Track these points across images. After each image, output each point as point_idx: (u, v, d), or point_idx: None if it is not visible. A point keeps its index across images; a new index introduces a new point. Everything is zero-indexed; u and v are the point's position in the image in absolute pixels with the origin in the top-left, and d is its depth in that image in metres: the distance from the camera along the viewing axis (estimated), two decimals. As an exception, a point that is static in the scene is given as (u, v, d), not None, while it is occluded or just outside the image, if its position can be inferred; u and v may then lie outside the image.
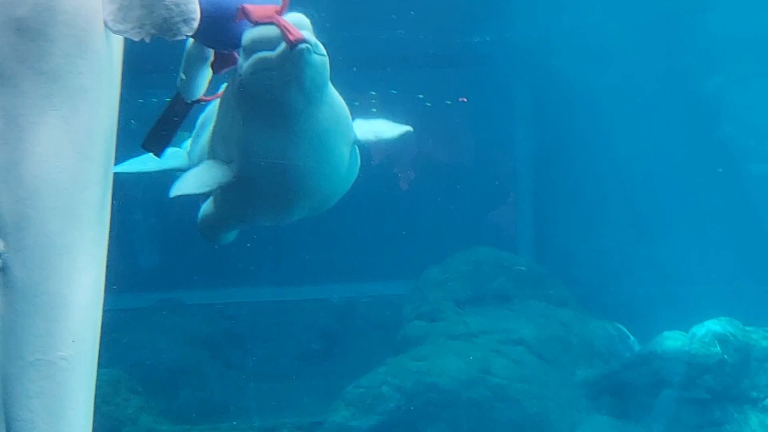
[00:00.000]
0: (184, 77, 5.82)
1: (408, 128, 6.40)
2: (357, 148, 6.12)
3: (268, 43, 5.22)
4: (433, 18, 12.52)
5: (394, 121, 6.34)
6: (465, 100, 12.49)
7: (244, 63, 5.37)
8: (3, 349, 3.63)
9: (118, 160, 4.78)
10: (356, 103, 6.06)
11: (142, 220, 12.57)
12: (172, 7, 3.95)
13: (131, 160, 6.64)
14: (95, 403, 3.87)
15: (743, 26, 13.60)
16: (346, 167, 6.14)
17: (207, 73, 5.88)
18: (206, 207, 6.31)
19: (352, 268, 12.70)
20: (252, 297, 11.94)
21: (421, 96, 11.69)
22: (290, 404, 10.84)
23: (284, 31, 5.20)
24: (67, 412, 3.86)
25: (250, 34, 5.28)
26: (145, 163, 6.64)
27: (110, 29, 3.97)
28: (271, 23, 5.19)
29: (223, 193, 6.00)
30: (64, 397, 3.82)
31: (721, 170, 11.33)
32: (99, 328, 4.07)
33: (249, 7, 5.23)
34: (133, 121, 5.52)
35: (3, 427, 3.89)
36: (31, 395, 3.72)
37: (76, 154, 3.84)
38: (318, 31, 5.39)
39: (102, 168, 4.01)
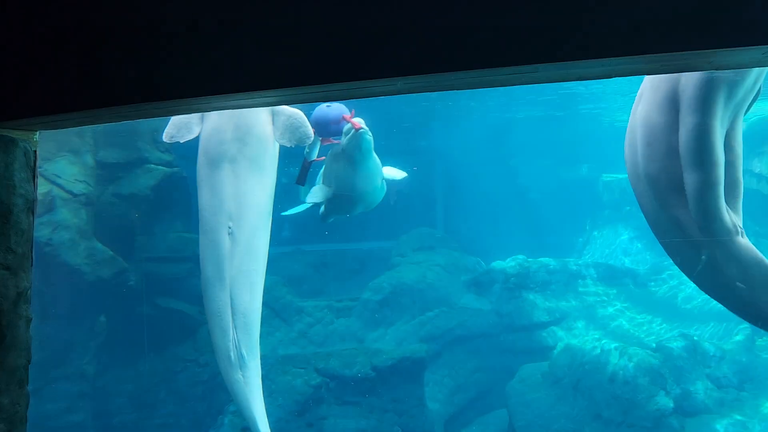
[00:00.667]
0: (307, 150, 7.41)
1: (405, 174, 8.26)
2: (384, 181, 7.95)
3: (347, 132, 7.02)
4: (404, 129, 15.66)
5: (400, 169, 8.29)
6: (416, 168, 13.28)
7: (343, 140, 7.16)
8: (230, 266, 5.87)
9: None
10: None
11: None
12: (302, 132, 6.19)
13: (300, 206, 8.61)
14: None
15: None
16: (380, 189, 7.89)
17: (316, 150, 7.51)
18: (322, 208, 8.13)
19: (370, 236, 15.79)
20: (324, 248, 15.32)
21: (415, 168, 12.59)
22: (351, 285, 14.10)
23: (353, 124, 6.97)
24: (256, 290, 6.06)
25: (344, 129, 6.98)
26: (304, 206, 8.55)
27: (276, 140, 6.19)
28: (347, 122, 7.01)
29: (328, 202, 7.77)
30: (255, 285, 6.05)
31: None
32: (266, 257, 6.20)
33: (339, 117, 6.94)
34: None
35: (229, 298, 5.94)
36: (242, 283, 5.91)
37: (261, 189, 6.05)
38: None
39: (271, 196, 6.15)
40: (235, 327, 5.72)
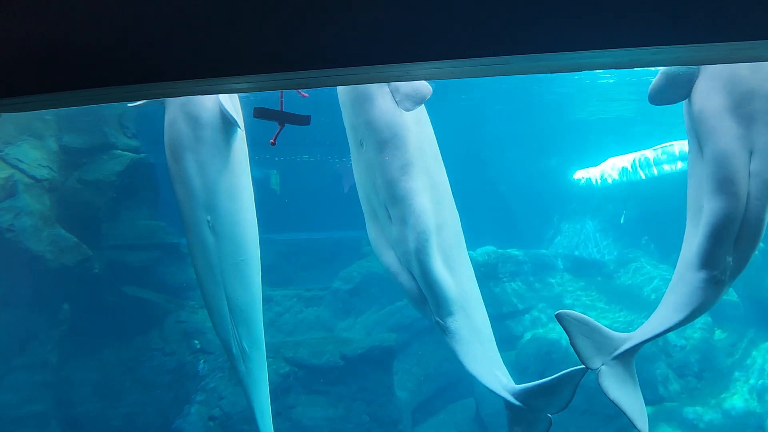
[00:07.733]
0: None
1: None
2: None
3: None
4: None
5: None
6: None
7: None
8: (218, 261, 5.74)
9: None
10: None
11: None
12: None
13: None
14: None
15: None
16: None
17: None
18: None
19: (341, 225, 14.81)
20: (294, 237, 15.26)
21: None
22: (320, 274, 13.90)
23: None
24: (251, 283, 5.94)
25: None
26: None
27: (235, 125, 5.69)
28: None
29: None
30: (248, 278, 5.91)
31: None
32: (257, 245, 6.02)
33: None
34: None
35: (224, 293, 5.81)
36: (234, 277, 5.82)
37: (231, 173, 5.72)
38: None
39: (246, 178, 5.84)
40: (234, 322, 5.69)
